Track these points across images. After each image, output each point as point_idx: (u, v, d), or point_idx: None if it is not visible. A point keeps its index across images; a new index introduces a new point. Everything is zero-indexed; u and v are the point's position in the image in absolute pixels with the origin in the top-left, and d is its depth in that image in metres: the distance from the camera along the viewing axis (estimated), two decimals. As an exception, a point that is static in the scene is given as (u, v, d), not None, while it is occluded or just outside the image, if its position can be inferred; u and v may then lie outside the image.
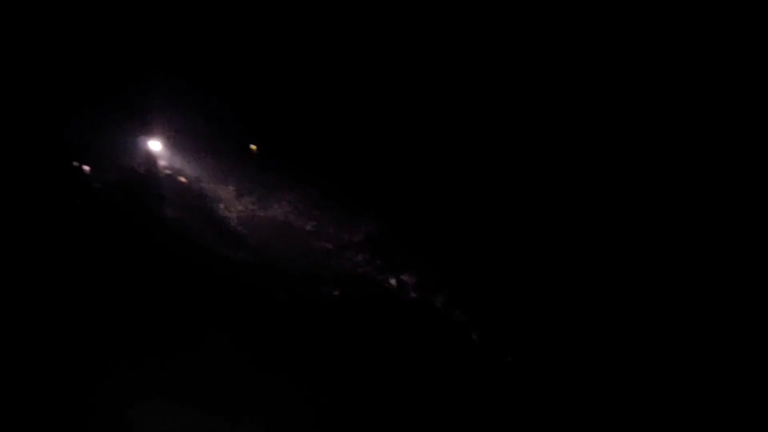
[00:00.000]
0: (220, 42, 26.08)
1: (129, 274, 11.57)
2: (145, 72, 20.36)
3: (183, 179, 25.13)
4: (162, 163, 24.39)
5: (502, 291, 12.84)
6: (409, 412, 9.09)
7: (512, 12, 17.05)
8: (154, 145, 22.45)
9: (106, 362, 8.04)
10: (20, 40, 13.76)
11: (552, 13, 16.63)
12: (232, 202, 24.49)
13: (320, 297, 13.42)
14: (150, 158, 20.26)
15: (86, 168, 13.77)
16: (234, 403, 8.27)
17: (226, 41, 26.32)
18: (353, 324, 12.07)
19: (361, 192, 22.16)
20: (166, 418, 7.52)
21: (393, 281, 14.42)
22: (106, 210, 14.31)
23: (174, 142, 25.56)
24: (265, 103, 29.17)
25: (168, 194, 20.03)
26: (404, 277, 14.56)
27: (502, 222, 14.39)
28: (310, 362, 10.01)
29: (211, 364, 9.22)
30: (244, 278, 13.43)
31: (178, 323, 10.37)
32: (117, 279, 11.07)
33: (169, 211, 16.99)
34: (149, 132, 20.21)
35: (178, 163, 27.18)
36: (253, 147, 30.25)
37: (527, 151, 16.33)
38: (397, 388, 9.67)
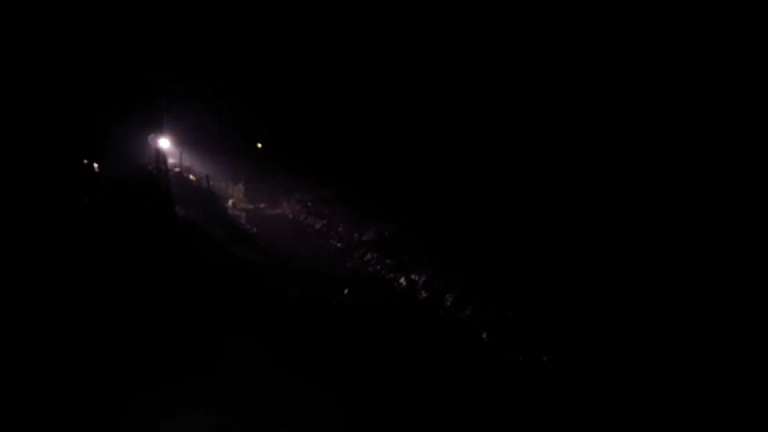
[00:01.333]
0: (232, 43, 26.05)
1: (138, 271, 11.50)
2: (156, 71, 20.34)
3: (192, 177, 25.04)
4: (171, 161, 24.30)
5: (513, 290, 12.65)
6: (419, 411, 8.95)
7: (532, 17, 16.90)
8: (164, 144, 22.40)
9: (106, 361, 8.02)
10: (38, 43, 13.82)
11: (563, 13, 16.53)
12: (241, 201, 24.39)
13: (332, 296, 13.29)
14: (159, 156, 20.22)
15: (95, 166, 13.68)
16: (249, 403, 8.18)
17: (239, 42, 26.29)
18: (364, 323, 11.92)
19: (371, 192, 22.03)
20: (176, 417, 7.45)
21: (402, 280, 14.20)
22: (115, 207, 14.26)
23: (183, 140, 25.56)
24: (275, 103, 29.14)
25: (177, 192, 19.92)
26: (414, 276, 14.33)
27: (511, 221, 14.22)
28: (322, 361, 9.86)
29: (222, 364, 9.12)
30: (255, 277, 13.33)
31: (189, 323, 10.27)
32: (125, 277, 11.00)
33: (179, 209, 16.89)
34: (159, 131, 20.16)
35: (187, 161, 27.17)
36: (259, 145, 30.38)
37: (540, 149, 16.19)
38: (407, 388, 9.51)
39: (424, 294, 13.52)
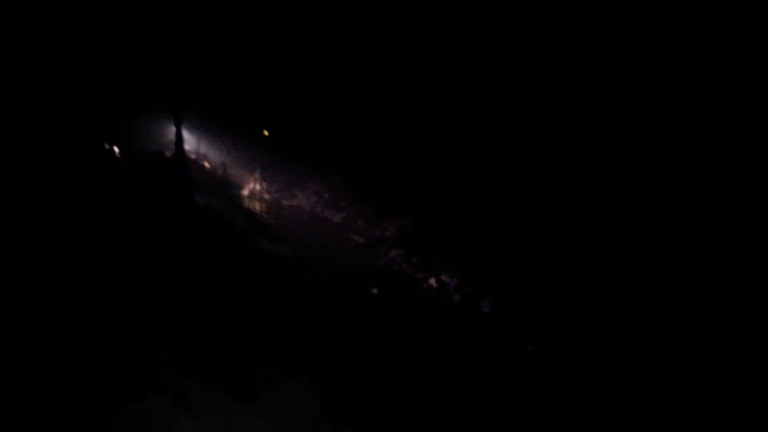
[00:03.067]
0: (249, 29, 25.25)
1: (156, 258, 11.01)
2: (173, 59, 19.70)
3: (207, 165, 24.48)
4: (187, 147, 23.73)
5: (559, 295, 12.04)
6: (451, 417, 8.51)
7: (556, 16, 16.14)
8: (180, 131, 21.82)
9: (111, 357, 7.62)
10: (59, 30, 13.35)
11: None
12: (257, 190, 23.78)
13: (355, 294, 12.76)
14: (176, 142, 19.62)
15: (116, 150, 13.17)
16: (266, 398, 7.77)
17: (256, 28, 25.49)
18: (392, 325, 11.38)
19: (390, 184, 21.27)
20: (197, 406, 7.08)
21: (432, 281, 13.61)
22: (134, 192, 13.74)
23: (199, 128, 24.95)
24: (290, 91, 28.36)
25: (195, 179, 19.38)
26: (444, 278, 13.76)
27: (554, 215, 13.46)
28: (344, 361, 9.38)
29: (240, 359, 8.66)
30: (274, 270, 12.80)
31: (207, 315, 9.80)
32: (142, 263, 10.52)
33: (198, 196, 16.34)
34: (175, 117, 19.63)
35: (204, 148, 26.53)
36: (265, 132, 29.54)
37: (576, 136, 15.50)
38: (438, 396, 9.03)
39: (457, 298, 12.96)
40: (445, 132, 18.55)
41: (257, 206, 20.41)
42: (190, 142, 22.14)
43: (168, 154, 17.59)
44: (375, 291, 12.38)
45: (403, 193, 18.58)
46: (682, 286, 10.55)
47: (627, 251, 12.13)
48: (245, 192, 22.12)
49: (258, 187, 22.37)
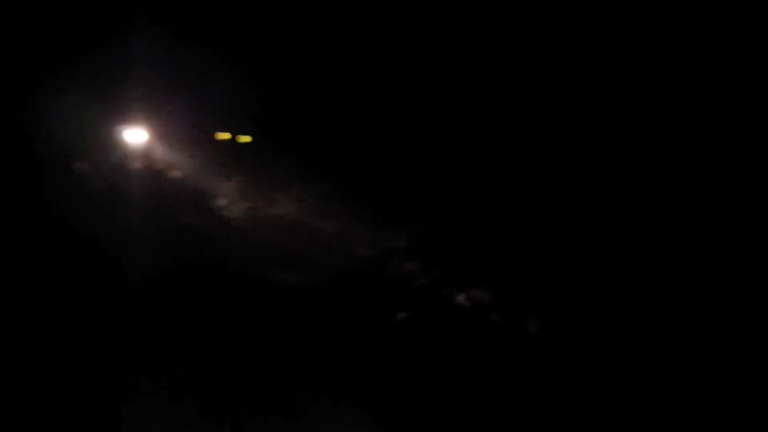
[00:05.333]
0: (220, 20, 22.06)
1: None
2: (126, 39, 16.77)
3: (176, 174, 21.85)
4: (148, 155, 21.03)
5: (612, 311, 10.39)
6: None
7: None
8: (138, 136, 19.21)
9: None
10: None
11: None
12: (235, 199, 21.25)
13: (370, 316, 10.77)
14: (132, 150, 17.14)
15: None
16: None
17: (228, 19, 22.36)
18: (428, 352, 9.51)
19: (388, 184, 18.71)
20: None
21: (463, 299, 11.57)
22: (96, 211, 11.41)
23: (162, 129, 22.02)
24: (263, 79, 25.21)
25: (158, 192, 16.90)
26: (477, 294, 11.78)
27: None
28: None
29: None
30: (263, 296, 10.70)
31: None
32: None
33: (168, 211, 13.97)
34: (130, 118, 17.03)
35: (168, 154, 23.76)
36: (224, 136, 26.24)
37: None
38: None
39: (495, 317, 11.08)
40: (453, 115, 16.14)
41: (236, 218, 18.04)
42: (156, 148, 19.54)
43: (122, 164, 15.19)
44: (402, 316, 10.39)
45: (408, 193, 16.32)
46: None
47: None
48: (221, 202, 19.66)
49: (235, 196, 19.97)
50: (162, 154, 20.05)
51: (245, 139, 23.55)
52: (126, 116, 17.11)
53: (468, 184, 14.04)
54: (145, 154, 18.94)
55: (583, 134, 13.39)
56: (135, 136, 19.26)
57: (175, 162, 21.39)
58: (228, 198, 19.25)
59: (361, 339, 9.11)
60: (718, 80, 10.84)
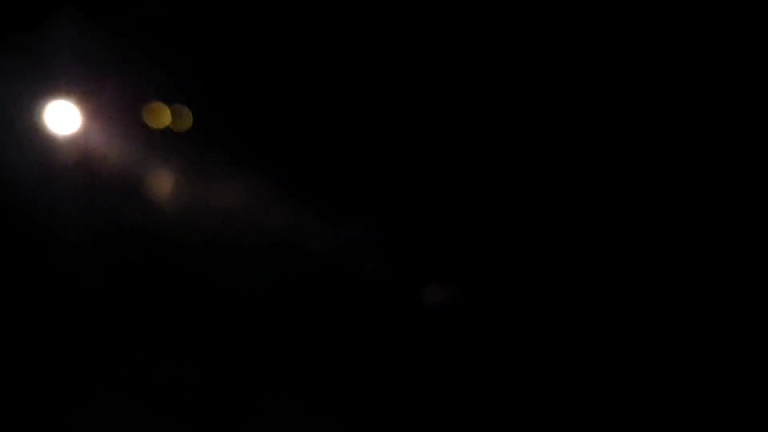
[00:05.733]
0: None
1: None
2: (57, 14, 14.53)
3: (111, 163, 19.42)
4: (79, 142, 18.48)
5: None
6: None
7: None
8: (66, 117, 16.84)
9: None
10: None
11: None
12: (173, 192, 19.02)
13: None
14: (61, 136, 15.02)
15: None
16: None
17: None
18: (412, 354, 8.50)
19: (342, 169, 16.92)
20: None
21: (454, 301, 10.11)
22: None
23: (93, 111, 19.52)
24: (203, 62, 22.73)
25: (90, 185, 14.79)
26: (470, 294, 10.19)
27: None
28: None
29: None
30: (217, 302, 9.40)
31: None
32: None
33: (98, 207, 12.12)
34: (57, 96, 14.81)
35: (102, 141, 21.00)
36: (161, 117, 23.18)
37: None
38: None
39: (493, 320, 9.81)
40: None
41: (179, 212, 16.09)
42: (89, 134, 17.27)
43: (62, 153, 13.16)
44: (382, 324, 9.27)
45: (370, 178, 14.78)
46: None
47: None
48: (160, 195, 17.53)
49: (176, 188, 17.88)
50: (94, 140, 17.87)
51: (185, 122, 21.34)
52: (53, 94, 14.95)
53: (439, 166, 13.10)
54: (76, 140, 16.67)
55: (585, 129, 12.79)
56: (63, 118, 16.88)
57: (110, 150, 19.15)
58: (168, 190, 17.32)
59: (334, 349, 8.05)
60: (718, 80, 10.69)
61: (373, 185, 12.76)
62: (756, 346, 7.84)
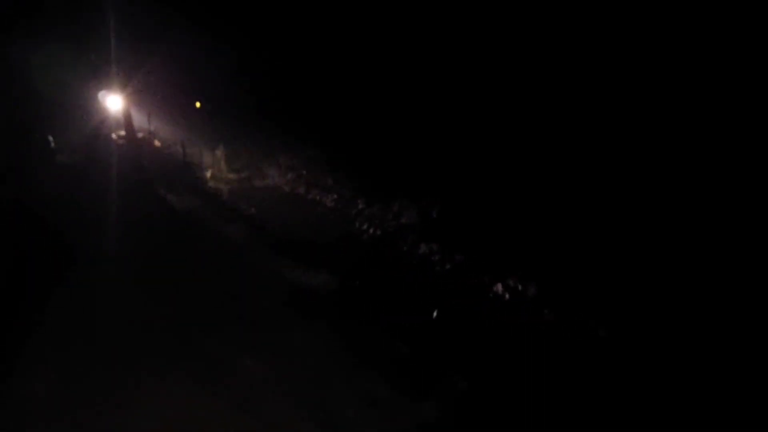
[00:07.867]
0: None
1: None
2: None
3: (158, 143, 19.93)
4: (135, 125, 18.98)
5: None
6: None
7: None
8: (116, 103, 17.17)
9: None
10: None
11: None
12: (222, 170, 19.48)
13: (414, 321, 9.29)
14: (125, 122, 15.32)
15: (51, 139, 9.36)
16: None
17: None
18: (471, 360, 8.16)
19: (388, 153, 16.80)
20: None
21: (499, 288, 10.18)
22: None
23: (142, 97, 19.89)
24: (248, 48, 22.81)
25: (151, 166, 15.20)
26: (513, 283, 10.13)
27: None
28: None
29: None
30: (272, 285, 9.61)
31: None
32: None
33: (163, 191, 12.47)
34: (106, 86, 15.24)
35: (153, 124, 21.55)
36: (198, 104, 23.89)
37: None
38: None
39: (548, 314, 9.42)
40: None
41: (224, 191, 16.50)
42: (136, 118, 17.64)
43: (114, 136, 13.67)
44: (435, 315, 9.34)
45: (408, 163, 14.77)
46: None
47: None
48: (207, 174, 18.09)
49: (222, 166, 18.32)
50: (143, 122, 18.33)
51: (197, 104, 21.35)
52: (104, 77, 15.43)
53: (486, 160, 12.84)
54: (125, 122, 17.18)
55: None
56: (113, 101, 17.38)
57: (157, 131, 19.61)
58: (215, 169, 17.76)
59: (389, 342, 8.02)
60: (718, 80, 10.31)
61: (408, 168, 12.47)
62: (757, 345, 7.45)
